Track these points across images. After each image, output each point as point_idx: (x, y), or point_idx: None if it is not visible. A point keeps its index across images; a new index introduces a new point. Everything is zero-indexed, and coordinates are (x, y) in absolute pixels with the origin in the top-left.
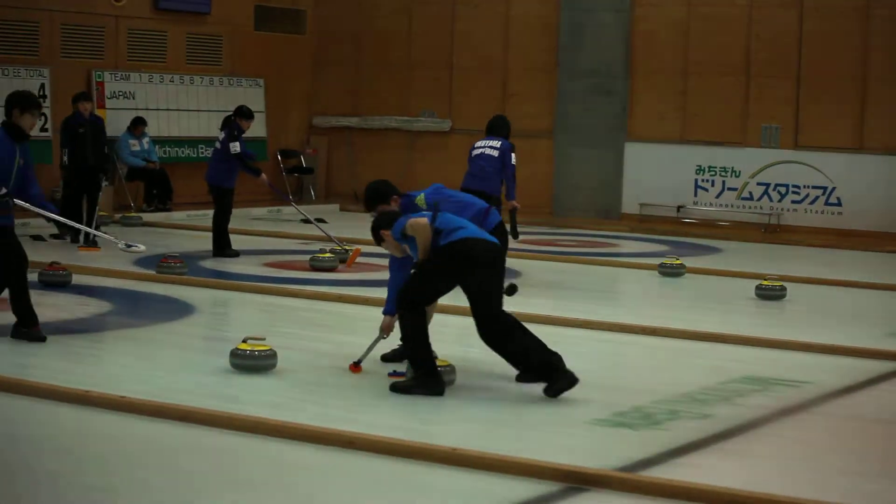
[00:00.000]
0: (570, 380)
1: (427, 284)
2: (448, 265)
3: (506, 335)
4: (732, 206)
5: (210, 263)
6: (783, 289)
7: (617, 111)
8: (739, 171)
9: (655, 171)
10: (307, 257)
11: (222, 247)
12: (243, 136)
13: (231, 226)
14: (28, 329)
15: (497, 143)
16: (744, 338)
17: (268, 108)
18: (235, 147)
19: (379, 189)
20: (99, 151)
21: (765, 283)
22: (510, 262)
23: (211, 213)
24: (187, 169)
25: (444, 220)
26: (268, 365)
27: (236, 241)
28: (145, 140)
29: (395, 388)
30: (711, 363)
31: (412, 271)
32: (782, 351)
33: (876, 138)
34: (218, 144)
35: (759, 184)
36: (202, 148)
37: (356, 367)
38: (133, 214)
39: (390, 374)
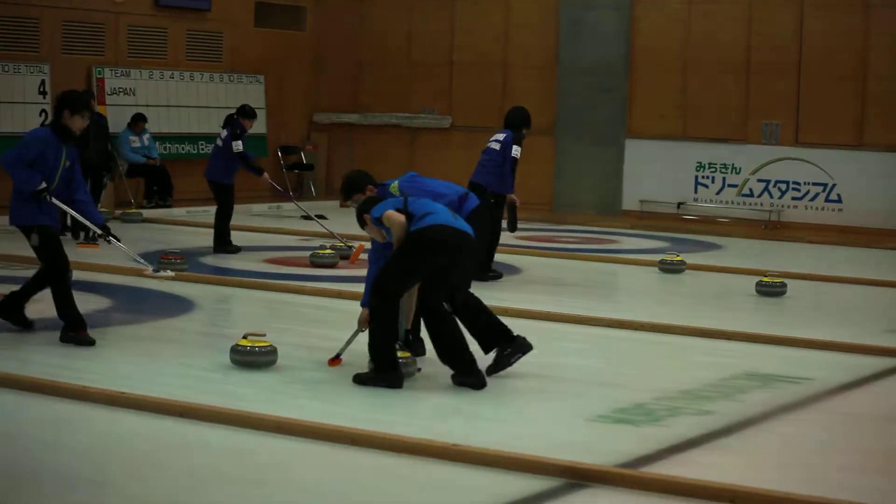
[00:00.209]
0: (478, 381)
1: (398, 270)
2: (417, 250)
3: (441, 322)
4: (733, 202)
5: (210, 260)
6: (783, 285)
7: (617, 108)
8: (740, 168)
9: (656, 168)
10: (308, 253)
11: (224, 243)
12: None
13: (232, 222)
14: (75, 333)
15: (502, 136)
16: (744, 334)
17: (268, 104)
18: (238, 146)
19: (354, 179)
20: (102, 150)
21: (765, 279)
22: (510, 259)
23: (211, 209)
24: (187, 165)
25: (416, 206)
26: (268, 361)
27: (237, 238)
28: (146, 136)
29: (356, 380)
30: (712, 360)
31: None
32: (783, 347)
33: (876, 135)
34: (219, 142)
35: (759, 180)
36: (202, 144)
37: (335, 360)
38: (133, 211)
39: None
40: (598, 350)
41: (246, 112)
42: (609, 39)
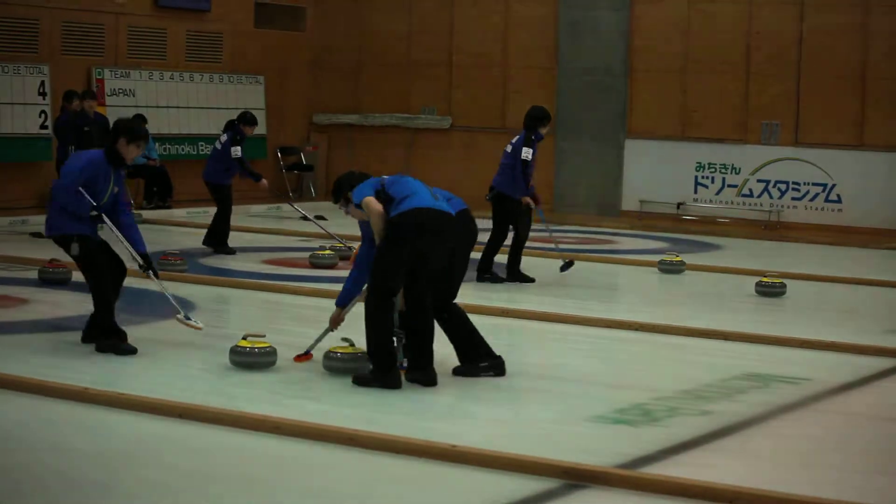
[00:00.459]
0: (429, 379)
1: (387, 265)
2: (398, 237)
3: (425, 316)
4: (732, 203)
5: (210, 261)
6: (783, 286)
7: (617, 108)
8: (739, 168)
9: (655, 168)
10: (307, 254)
11: (221, 242)
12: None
13: (231, 223)
14: (107, 339)
15: (515, 139)
16: (743, 335)
17: (268, 105)
18: (237, 152)
19: (342, 182)
20: None
21: (765, 279)
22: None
23: (211, 210)
24: (187, 166)
25: (395, 188)
26: (267, 362)
27: (236, 239)
28: None
29: (355, 381)
30: (711, 360)
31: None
32: (782, 348)
33: (876, 135)
34: (218, 145)
35: (759, 181)
36: (202, 145)
37: (304, 356)
38: (133, 212)
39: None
40: (596, 351)
41: (247, 119)
42: (609, 40)
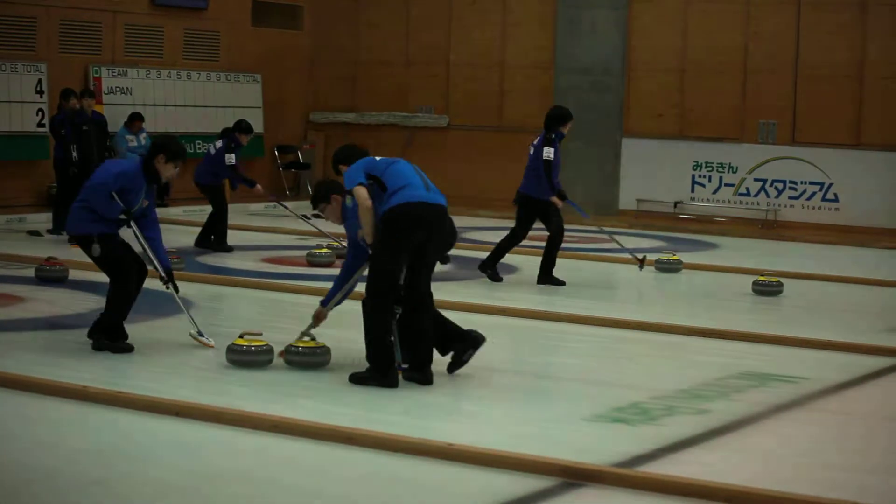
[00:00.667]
0: (424, 378)
1: (385, 261)
2: (395, 231)
3: (424, 311)
4: (729, 202)
5: (207, 259)
6: (780, 284)
7: (614, 107)
8: (736, 167)
9: (652, 167)
10: (304, 253)
11: (220, 240)
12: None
13: (229, 221)
14: (112, 341)
15: (536, 140)
16: (741, 333)
17: (265, 103)
18: (231, 159)
19: (319, 190)
20: (102, 149)
21: (762, 278)
22: (509, 258)
23: (208, 208)
24: (184, 165)
25: (391, 176)
26: (264, 360)
27: (234, 237)
28: (142, 136)
29: (353, 379)
30: (708, 359)
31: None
32: (779, 347)
33: (873, 134)
34: (212, 150)
35: (756, 180)
36: (199, 144)
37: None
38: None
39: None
40: (594, 349)
41: (243, 128)
42: (606, 39)
